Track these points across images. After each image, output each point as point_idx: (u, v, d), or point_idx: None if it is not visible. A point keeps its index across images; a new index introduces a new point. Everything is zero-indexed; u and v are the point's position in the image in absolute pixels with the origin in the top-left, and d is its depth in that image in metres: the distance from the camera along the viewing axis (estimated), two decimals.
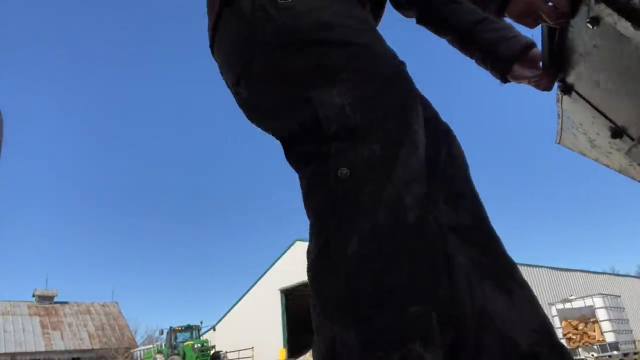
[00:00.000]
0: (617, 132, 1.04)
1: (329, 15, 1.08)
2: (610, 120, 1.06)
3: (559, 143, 1.44)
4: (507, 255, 1.16)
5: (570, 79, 1.17)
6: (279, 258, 26.78)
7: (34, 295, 31.46)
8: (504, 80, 1.36)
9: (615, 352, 10.57)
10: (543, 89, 1.29)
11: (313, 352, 1.04)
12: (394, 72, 1.06)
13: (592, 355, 10.80)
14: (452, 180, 1.19)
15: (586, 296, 11.88)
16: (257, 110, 1.19)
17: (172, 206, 72.42)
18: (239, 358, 27.60)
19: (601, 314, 11.04)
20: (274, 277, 26.43)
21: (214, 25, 1.19)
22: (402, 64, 1.11)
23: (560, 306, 11.85)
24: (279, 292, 26.23)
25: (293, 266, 23.43)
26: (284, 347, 23.59)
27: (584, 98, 1.14)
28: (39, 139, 64.75)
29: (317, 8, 1.08)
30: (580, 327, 11.44)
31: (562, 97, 1.24)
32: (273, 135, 1.19)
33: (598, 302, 11.13)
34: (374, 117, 0.99)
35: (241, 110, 1.24)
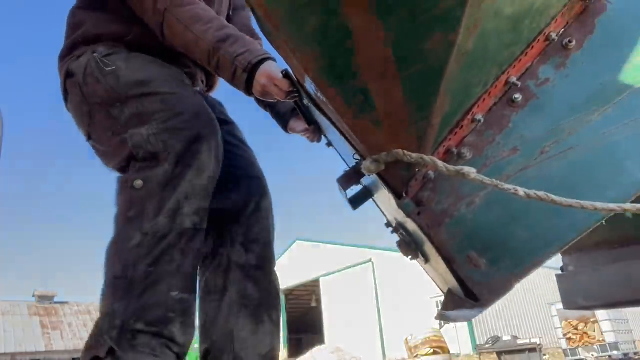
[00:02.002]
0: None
1: (146, 74, 1.37)
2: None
3: None
4: (276, 292, 1.51)
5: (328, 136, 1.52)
6: (278, 258, 26.91)
7: (34, 295, 30.97)
8: (286, 131, 1.71)
9: (615, 352, 10.52)
10: (312, 141, 1.63)
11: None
12: (195, 112, 1.35)
13: (592, 355, 10.77)
14: (251, 229, 1.52)
15: None
16: (104, 155, 1.46)
17: None
18: None
19: (601, 314, 10.97)
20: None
21: (64, 92, 1.48)
22: (207, 109, 1.40)
23: (560, 306, 11.80)
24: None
25: (293, 266, 23.59)
26: (284, 347, 23.78)
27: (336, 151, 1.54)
28: (40, 138, 66.01)
29: (135, 70, 1.38)
30: (580, 327, 11.39)
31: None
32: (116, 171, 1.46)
33: None
34: (172, 145, 1.28)
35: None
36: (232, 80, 1.33)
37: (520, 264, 0.98)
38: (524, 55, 1.04)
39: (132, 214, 1.25)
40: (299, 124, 1.66)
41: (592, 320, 11.20)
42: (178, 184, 1.26)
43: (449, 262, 1.01)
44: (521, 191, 0.91)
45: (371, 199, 1.34)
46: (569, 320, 11.50)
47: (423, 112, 0.98)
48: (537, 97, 1.05)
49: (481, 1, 0.86)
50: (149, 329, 1.16)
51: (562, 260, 3.89)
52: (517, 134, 1.05)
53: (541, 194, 0.91)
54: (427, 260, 1.19)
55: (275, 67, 1.30)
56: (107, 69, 1.35)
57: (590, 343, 11.09)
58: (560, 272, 3.90)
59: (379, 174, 1.11)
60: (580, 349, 11.03)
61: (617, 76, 1.03)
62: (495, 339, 11.87)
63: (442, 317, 1.14)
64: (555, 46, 1.06)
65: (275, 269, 1.56)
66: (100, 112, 1.37)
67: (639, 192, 0.98)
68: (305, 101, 1.27)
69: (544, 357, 12.07)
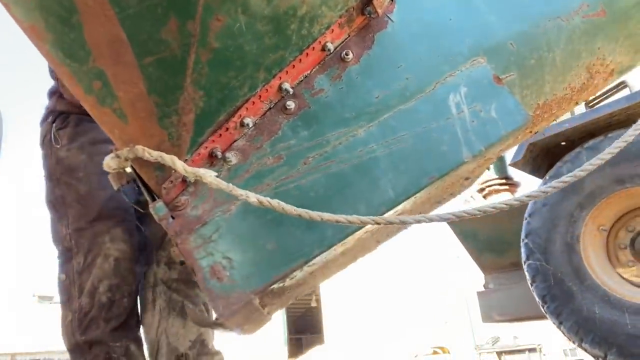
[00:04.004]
0: None
1: (78, 160, 1.62)
2: None
3: None
4: (198, 295, 1.80)
5: None
6: None
7: (34, 296, 31.13)
8: None
9: None
10: None
11: None
12: (101, 210, 1.61)
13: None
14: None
15: None
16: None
17: None
18: None
19: None
20: None
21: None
22: (116, 200, 1.63)
23: None
24: None
25: None
26: (284, 346, 23.05)
27: None
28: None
29: (73, 154, 1.62)
30: None
31: None
32: None
33: None
34: (80, 243, 1.61)
35: None
36: None
37: (261, 280, 0.92)
38: (298, 62, 1.00)
39: (64, 299, 1.65)
40: None
41: None
42: (91, 270, 1.60)
43: (193, 272, 0.94)
44: (253, 197, 0.86)
45: None
46: None
47: (170, 107, 0.90)
48: (310, 106, 1.02)
49: None
50: None
51: (484, 279, 4.04)
52: (284, 142, 1.00)
53: (274, 202, 0.86)
54: None
55: None
56: (55, 146, 1.62)
57: None
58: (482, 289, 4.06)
59: (135, 173, 1.02)
60: (580, 349, 11.23)
61: (386, 95, 1.02)
62: (496, 339, 11.90)
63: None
64: (334, 57, 1.03)
65: None
66: (44, 175, 1.68)
67: (388, 210, 0.96)
68: None
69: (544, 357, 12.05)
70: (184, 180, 0.97)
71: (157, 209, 0.95)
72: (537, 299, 2.48)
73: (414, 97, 1.02)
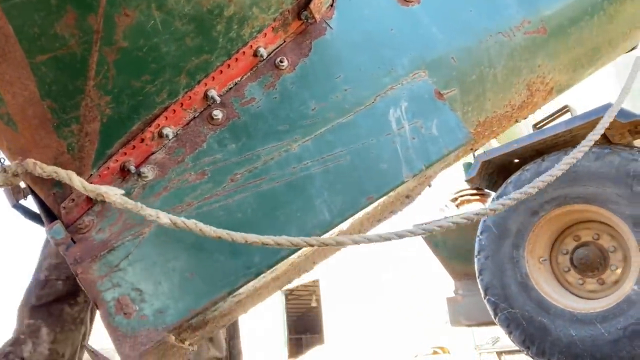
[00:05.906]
0: None
1: None
2: None
3: None
4: None
5: None
6: None
7: None
8: None
9: None
10: None
11: None
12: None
13: None
14: None
15: None
16: None
17: None
18: None
19: None
20: None
21: None
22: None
23: None
24: (280, 292, 24.80)
25: None
26: (284, 347, 22.30)
27: None
28: None
29: None
30: None
31: None
32: None
33: None
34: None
35: None
36: None
37: (177, 315, 0.80)
38: (226, 67, 0.90)
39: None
40: None
41: None
42: (45, 247, 1.73)
43: (96, 306, 0.80)
44: (164, 217, 0.75)
45: None
46: None
47: (69, 114, 0.77)
48: (239, 116, 0.92)
49: None
50: (9, 349, 1.56)
51: (454, 285, 4.09)
52: (210, 156, 0.89)
53: (190, 222, 0.75)
54: None
55: None
56: None
57: None
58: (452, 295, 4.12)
59: (30, 189, 0.87)
60: None
61: (323, 107, 0.94)
62: (496, 339, 11.87)
63: None
64: (267, 64, 0.94)
65: None
66: None
67: (322, 234, 0.88)
68: None
69: None
70: (89, 198, 0.84)
71: (54, 231, 0.81)
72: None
73: (352, 110, 0.95)
